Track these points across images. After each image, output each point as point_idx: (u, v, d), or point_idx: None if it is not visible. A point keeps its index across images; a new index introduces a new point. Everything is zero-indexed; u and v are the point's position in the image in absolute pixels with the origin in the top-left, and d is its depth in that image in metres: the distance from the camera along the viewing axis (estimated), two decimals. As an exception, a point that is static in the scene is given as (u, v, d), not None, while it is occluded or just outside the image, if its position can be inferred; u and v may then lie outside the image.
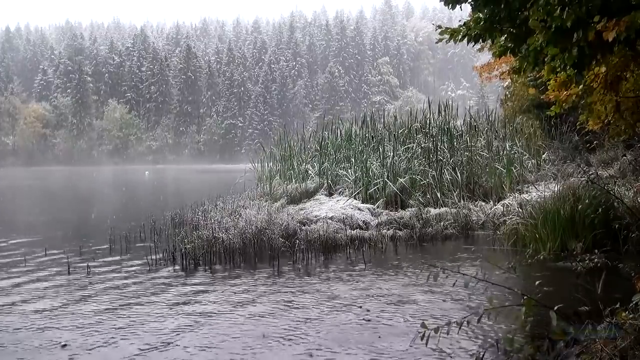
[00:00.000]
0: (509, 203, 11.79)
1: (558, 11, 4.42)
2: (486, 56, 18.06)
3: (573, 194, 8.89)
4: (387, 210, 12.75)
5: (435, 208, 12.65)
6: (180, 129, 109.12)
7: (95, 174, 58.33)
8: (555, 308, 2.83)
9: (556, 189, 9.71)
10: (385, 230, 11.17)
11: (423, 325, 2.89)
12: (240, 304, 6.63)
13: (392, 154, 14.99)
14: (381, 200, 13.50)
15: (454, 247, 10.44)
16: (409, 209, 12.56)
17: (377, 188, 13.97)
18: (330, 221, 11.07)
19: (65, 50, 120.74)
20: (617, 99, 6.30)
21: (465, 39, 5.60)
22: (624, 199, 8.73)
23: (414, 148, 15.58)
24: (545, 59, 5.10)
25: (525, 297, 3.00)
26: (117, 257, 9.85)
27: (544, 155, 15.95)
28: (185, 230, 10.82)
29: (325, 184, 15.14)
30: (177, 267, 8.86)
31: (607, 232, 8.38)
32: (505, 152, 15.29)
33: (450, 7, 5.70)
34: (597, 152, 15.41)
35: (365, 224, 11.70)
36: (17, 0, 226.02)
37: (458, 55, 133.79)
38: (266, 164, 17.54)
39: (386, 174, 14.13)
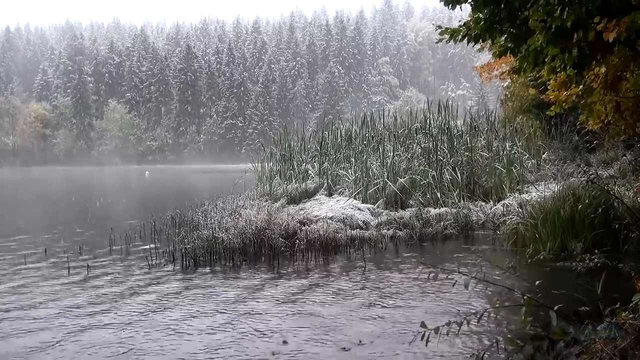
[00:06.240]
0: (509, 203, 11.80)
1: (558, 11, 4.42)
2: (486, 56, 18.10)
3: (573, 194, 8.89)
4: (387, 210, 12.75)
5: (435, 208, 12.65)
6: (180, 129, 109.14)
7: (96, 174, 58.36)
8: (555, 308, 2.83)
9: (556, 189, 9.72)
10: (385, 230, 11.17)
11: (423, 325, 2.88)
12: (240, 304, 6.63)
13: (392, 154, 14.99)
14: (381, 200, 13.49)
15: (454, 247, 10.44)
16: (409, 209, 12.56)
17: (377, 188, 13.97)
18: (330, 221, 11.07)
19: (65, 50, 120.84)
20: (617, 99, 6.30)
21: (465, 39, 5.60)
22: (624, 199, 8.73)
23: (414, 148, 15.58)
24: (545, 59, 5.10)
25: (525, 297, 3.00)
26: (117, 257, 9.85)
27: (544, 155, 15.95)
28: (185, 230, 10.81)
29: (325, 184, 15.14)
30: (177, 267, 8.85)
31: (607, 232, 8.39)
32: (505, 152, 15.29)
33: (450, 7, 5.69)
34: (597, 152, 15.41)
35: (365, 224, 11.69)
36: (17, 0, 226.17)
37: (458, 55, 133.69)
38: (266, 164, 17.53)
39: (386, 174, 14.14)
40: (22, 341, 5.43)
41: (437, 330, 2.86)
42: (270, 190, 15.57)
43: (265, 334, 5.49)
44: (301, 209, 12.60)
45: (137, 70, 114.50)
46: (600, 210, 8.40)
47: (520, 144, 16.20)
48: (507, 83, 20.68)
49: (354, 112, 64.05)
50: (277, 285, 7.61)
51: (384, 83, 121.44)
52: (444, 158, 14.88)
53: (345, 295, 6.98)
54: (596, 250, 7.38)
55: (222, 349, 5.14)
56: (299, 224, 10.63)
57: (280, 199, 14.18)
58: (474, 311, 2.97)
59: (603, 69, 5.81)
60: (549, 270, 7.79)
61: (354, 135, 17.64)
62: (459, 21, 5.85)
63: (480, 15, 5.40)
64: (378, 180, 14.10)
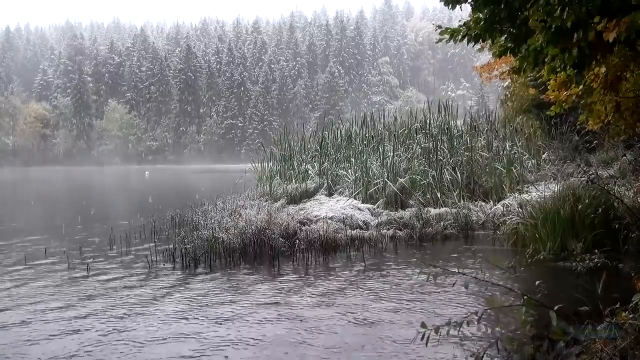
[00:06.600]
0: (509, 203, 11.79)
1: (558, 11, 4.42)
2: (486, 56, 18.10)
3: (573, 194, 8.89)
4: (387, 210, 12.74)
5: (435, 208, 12.64)
6: (180, 129, 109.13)
7: (96, 174, 58.34)
8: (555, 308, 2.83)
9: (556, 189, 9.71)
10: (385, 230, 11.17)
11: (423, 325, 2.89)
12: (240, 304, 6.63)
13: (392, 154, 15.00)
14: (381, 200, 13.49)
15: (454, 247, 10.44)
16: (409, 209, 12.55)
17: (377, 188, 13.97)
18: (330, 221, 11.06)
19: (65, 50, 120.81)
20: (617, 99, 6.30)
21: (465, 39, 5.60)
22: (624, 199, 8.73)
23: (414, 148, 15.58)
24: (545, 59, 5.10)
25: (525, 297, 3.01)
26: (117, 257, 9.86)
27: (544, 155, 15.94)
28: (185, 230, 10.81)
29: (325, 184, 15.13)
30: (177, 267, 8.86)
31: (607, 232, 8.38)
32: (505, 152, 15.29)
33: (450, 7, 5.70)
34: (597, 152, 15.40)
35: (365, 224, 11.69)
36: (17, 0, 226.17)
37: (458, 55, 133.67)
38: (266, 164, 17.53)
39: (386, 174, 14.14)
40: (23, 341, 5.43)
41: (437, 330, 2.86)
42: (270, 190, 15.56)
43: (264, 334, 5.49)
44: (301, 209, 12.60)
45: (137, 70, 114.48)
46: (600, 210, 8.39)
47: (520, 144, 16.19)
48: (507, 83, 20.69)
49: (354, 112, 64.17)
50: (277, 285, 7.60)
51: (384, 83, 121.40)
52: (444, 158, 14.88)
53: (345, 295, 6.98)
54: (596, 250, 7.37)
55: (223, 348, 5.14)
56: (299, 224, 10.63)
57: (280, 199, 14.17)
58: (474, 311, 2.97)
59: (603, 69, 5.81)
60: (549, 270, 7.79)
61: (354, 135, 17.64)
62: (459, 21, 5.85)
63: (480, 15, 5.40)
64: (378, 180, 14.10)
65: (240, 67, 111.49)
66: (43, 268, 8.99)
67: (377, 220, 11.89)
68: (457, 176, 14.10)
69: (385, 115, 21.19)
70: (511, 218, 9.99)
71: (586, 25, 4.40)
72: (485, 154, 15.43)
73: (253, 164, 18.20)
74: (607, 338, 3.11)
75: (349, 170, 15.12)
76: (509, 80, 18.95)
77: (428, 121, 17.03)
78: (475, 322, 2.92)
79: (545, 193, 10.27)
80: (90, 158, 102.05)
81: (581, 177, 8.58)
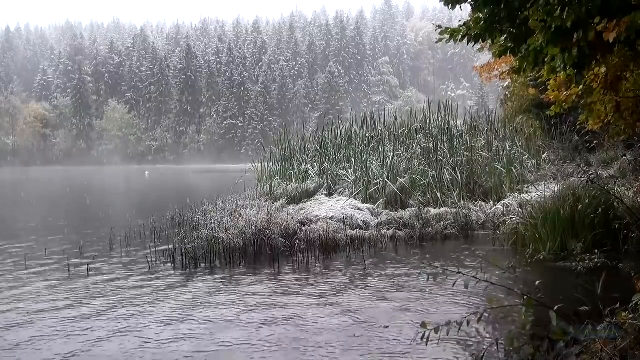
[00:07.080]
0: (509, 203, 11.79)
1: (558, 11, 4.42)
2: (486, 56, 18.12)
3: (573, 194, 8.88)
4: (387, 210, 12.74)
5: (435, 208, 12.64)
6: (180, 129, 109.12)
7: (96, 174, 58.35)
8: (555, 308, 2.83)
9: (556, 189, 9.71)
10: (385, 230, 11.17)
11: (423, 325, 2.89)
12: (239, 305, 6.63)
13: (392, 154, 15.00)
14: (381, 200, 13.49)
15: (454, 247, 10.44)
16: (409, 209, 12.55)
17: (377, 188, 13.97)
18: (330, 221, 11.06)
19: (65, 50, 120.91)
20: (617, 99, 6.30)
21: (465, 39, 5.60)
22: (624, 199, 8.73)
23: (414, 148, 15.58)
24: (545, 59, 5.10)
25: (525, 297, 3.01)
26: (117, 257, 9.86)
27: (544, 155, 15.95)
28: (185, 230, 10.81)
29: (325, 184, 15.13)
30: (177, 267, 8.86)
31: (607, 232, 8.38)
32: (505, 152, 15.29)
33: (450, 7, 5.69)
34: (597, 152, 15.40)
35: (365, 224, 11.69)
36: (17, 0, 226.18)
37: (458, 55, 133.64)
38: (266, 164, 17.53)
39: (386, 174, 14.14)
40: (22, 342, 5.43)
41: (437, 330, 2.86)
42: (270, 190, 15.56)
43: (264, 334, 5.49)
44: (301, 209, 12.60)
45: (137, 70, 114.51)
46: (600, 210, 8.39)
47: (520, 144, 16.19)
48: (507, 83, 20.69)
49: (354, 112, 64.07)
50: (277, 285, 7.61)
51: (384, 83, 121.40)
52: (444, 158, 14.88)
53: (345, 295, 6.97)
54: (596, 250, 7.39)
55: (223, 347, 5.14)
56: (299, 224, 10.62)
57: (280, 199, 14.17)
58: (474, 311, 2.97)
59: (603, 69, 5.81)
60: (549, 270, 7.79)
61: (354, 135, 17.64)
62: (459, 21, 5.85)
63: (480, 15, 5.40)
64: (378, 180, 14.10)
65: (240, 67, 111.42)
66: (43, 268, 8.98)
67: (377, 220, 11.88)
68: (457, 176, 14.10)
69: (385, 115, 21.22)
70: (511, 218, 9.99)
71: (586, 25, 4.40)
72: (485, 154, 15.43)
73: (253, 164, 18.20)
74: (607, 338, 3.11)
75: (349, 170, 15.12)
76: (509, 80, 18.96)
77: (428, 121, 17.04)
78: (475, 322, 2.92)
79: (545, 193, 10.26)
80: (90, 158, 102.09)
81: (581, 177, 8.58)
